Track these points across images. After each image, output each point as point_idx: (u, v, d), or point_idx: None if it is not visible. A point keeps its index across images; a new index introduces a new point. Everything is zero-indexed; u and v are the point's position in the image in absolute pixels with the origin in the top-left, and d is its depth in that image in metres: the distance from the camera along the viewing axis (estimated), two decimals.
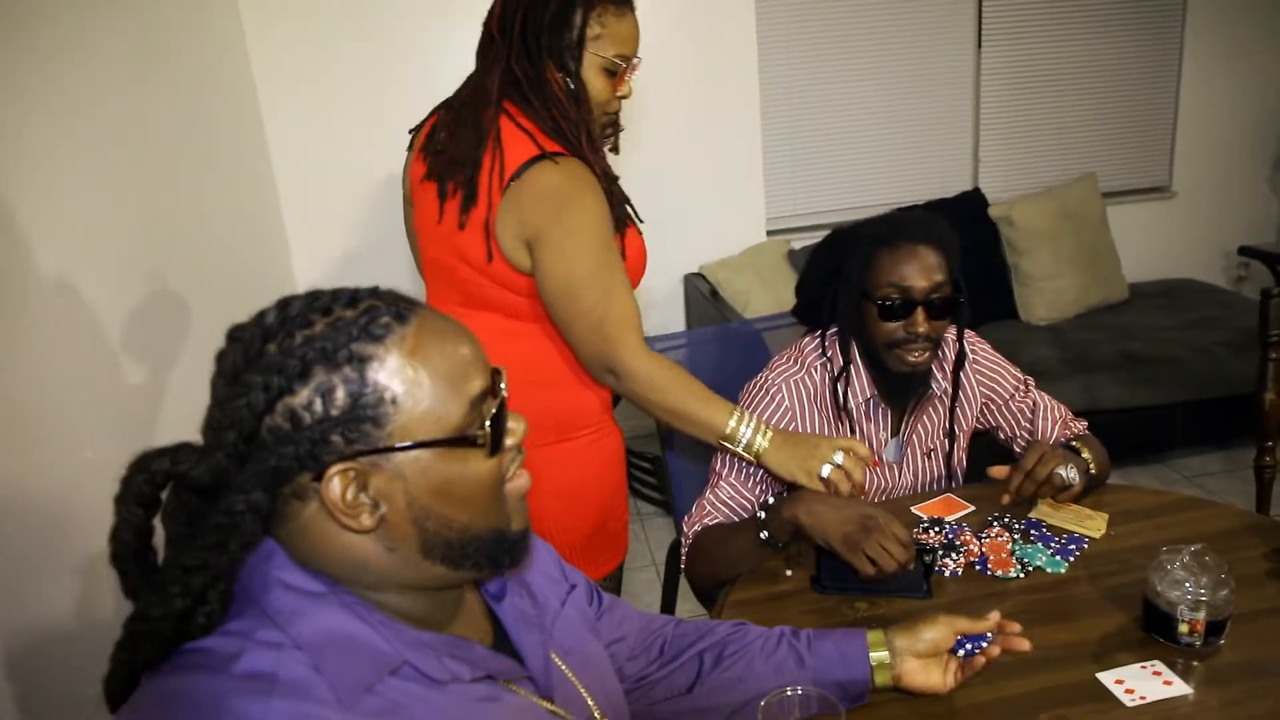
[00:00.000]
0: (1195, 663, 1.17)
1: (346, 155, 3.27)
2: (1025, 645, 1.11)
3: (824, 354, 1.62)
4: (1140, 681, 1.14)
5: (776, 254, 3.54)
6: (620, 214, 1.51)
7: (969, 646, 1.15)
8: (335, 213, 3.32)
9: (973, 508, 1.57)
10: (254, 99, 3.11)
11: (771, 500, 1.41)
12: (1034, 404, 1.70)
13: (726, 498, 1.57)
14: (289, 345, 0.71)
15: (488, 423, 0.76)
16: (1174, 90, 3.99)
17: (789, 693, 1.07)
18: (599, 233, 1.42)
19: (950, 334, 1.64)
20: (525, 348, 1.52)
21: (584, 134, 1.45)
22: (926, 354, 1.52)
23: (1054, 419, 1.68)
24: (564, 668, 0.93)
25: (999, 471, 1.52)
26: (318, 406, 0.70)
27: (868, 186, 3.82)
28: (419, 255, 1.67)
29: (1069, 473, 1.45)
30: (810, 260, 1.65)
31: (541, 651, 0.89)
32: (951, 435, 1.68)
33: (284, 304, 0.75)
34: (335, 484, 0.71)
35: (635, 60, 1.48)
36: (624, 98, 1.51)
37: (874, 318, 1.52)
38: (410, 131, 1.64)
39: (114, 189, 1.90)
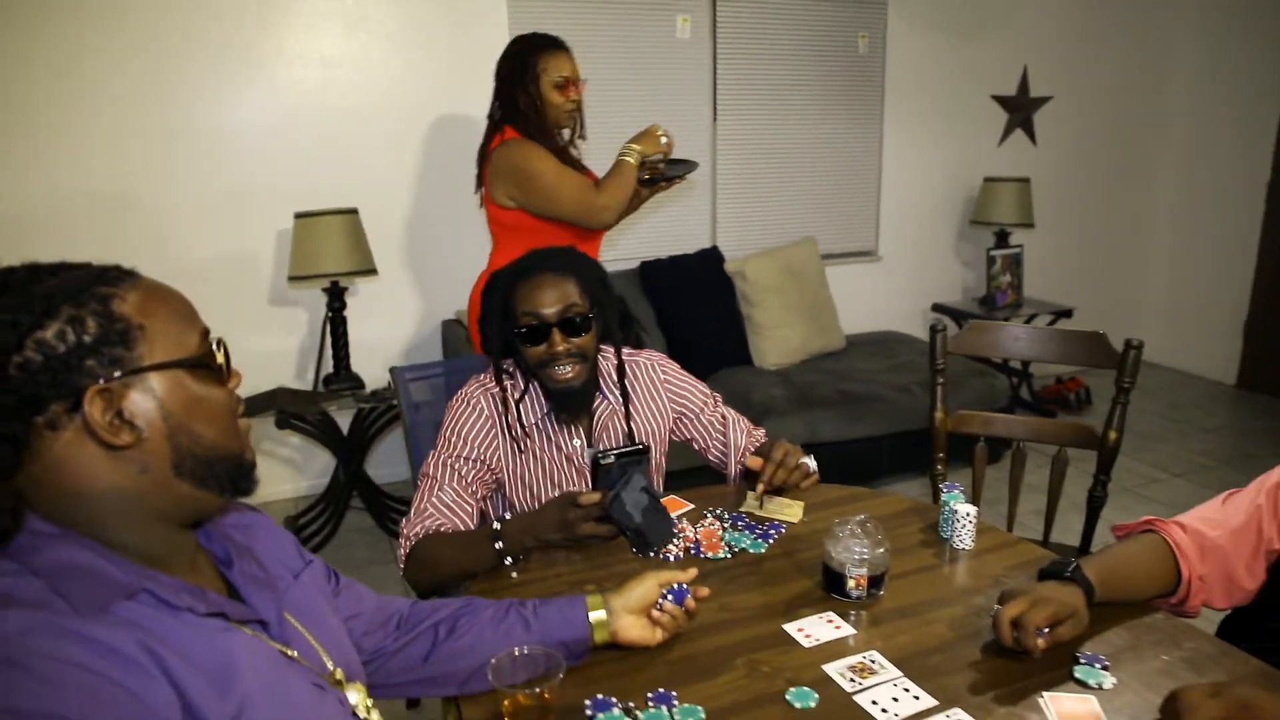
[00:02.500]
0: (862, 611, 1.40)
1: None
2: (705, 592, 1.32)
3: (500, 379, 1.74)
4: (816, 628, 1.35)
5: None
6: (568, 161, 2.57)
7: (670, 596, 1.31)
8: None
9: (692, 505, 1.76)
10: None
11: (498, 526, 1.53)
12: (724, 416, 1.92)
13: (450, 501, 1.63)
14: (29, 291, 0.77)
15: (219, 351, 0.87)
16: (877, 169, 4.60)
17: (516, 653, 1.18)
18: (548, 167, 2.49)
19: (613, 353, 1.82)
20: (516, 243, 2.46)
21: (538, 128, 2.54)
22: (574, 369, 1.67)
23: (743, 428, 1.92)
24: (297, 624, 0.99)
25: (755, 462, 1.71)
26: (70, 336, 0.77)
27: (615, 242, 4.10)
28: None
29: (811, 462, 1.68)
30: (481, 300, 1.78)
31: (274, 607, 0.95)
32: (631, 440, 1.83)
33: (6, 270, 0.81)
34: (96, 405, 0.78)
35: (572, 78, 2.58)
36: (573, 99, 2.59)
37: (521, 344, 1.68)
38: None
39: None
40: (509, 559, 1.52)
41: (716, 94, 4.18)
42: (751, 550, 1.59)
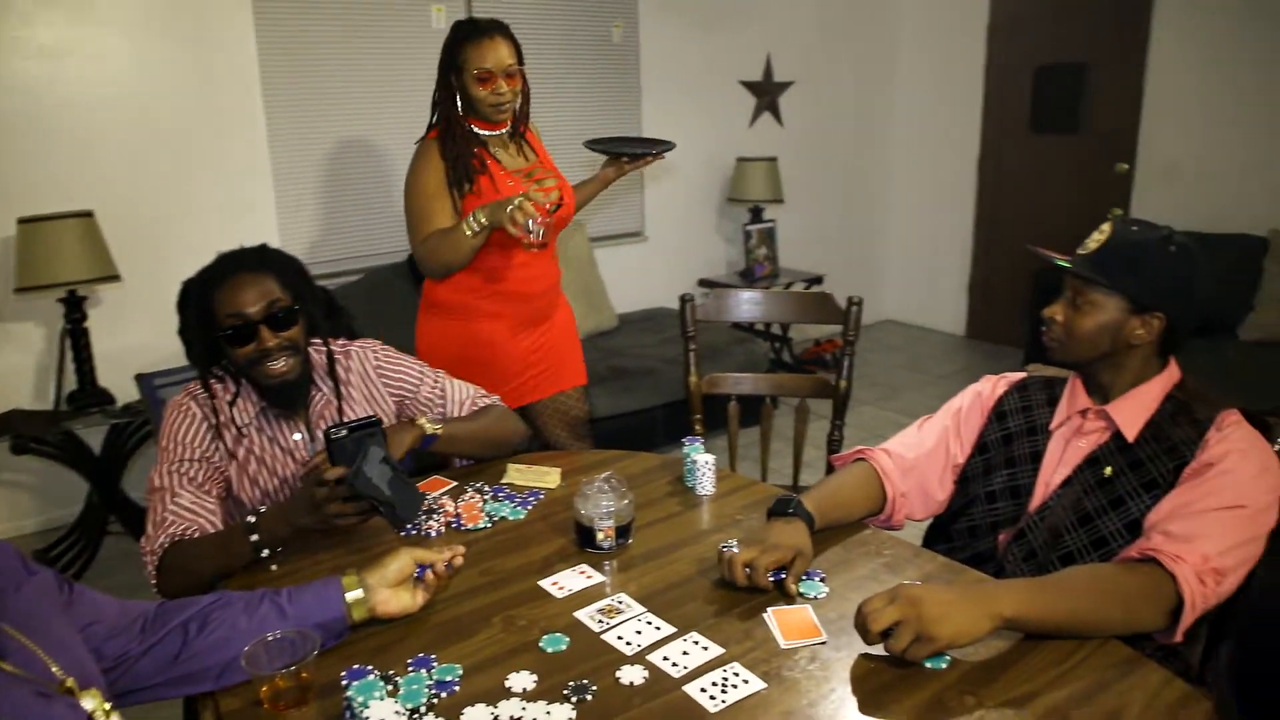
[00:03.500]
0: (613, 560, 1.50)
1: None
2: (460, 549, 1.38)
3: (208, 388, 1.71)
4: (569, 580, 1.44)
5: None
6: (463, 170, 2.31)
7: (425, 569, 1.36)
8: None
9: (455, 483, 1.82)
10: None
11: (252, 519, 1.52)
12: (444, 389, 1.93)
13: (190, 504, 1.59)
14: None
15: None
16: None
17: (269, 639, 1.19)
18: (418, 185, 2.33)
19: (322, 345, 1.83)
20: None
21: (447, 124, 2.34)
22: (287, 362, 1.66)
23: (464, 398, 1.93)
24: (19, 636, 0.96)
25: None
26: None
27: (390, 234, 4.06)
28: None
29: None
30: (178, 313, 1.74)
31: None
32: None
33: None
34: None
35: (496, 70, 2.28)
36: (503, 93, 2.30)
37: (229, 347, 1.66)
38: None
39: None
40: (266, 551, 1.51)
41: None
42: (511, 518, 1.66)
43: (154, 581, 1.56)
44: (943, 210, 5.71)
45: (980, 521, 1.61)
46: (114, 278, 3.18)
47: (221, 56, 3.55)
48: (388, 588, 1.31)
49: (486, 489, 1.77)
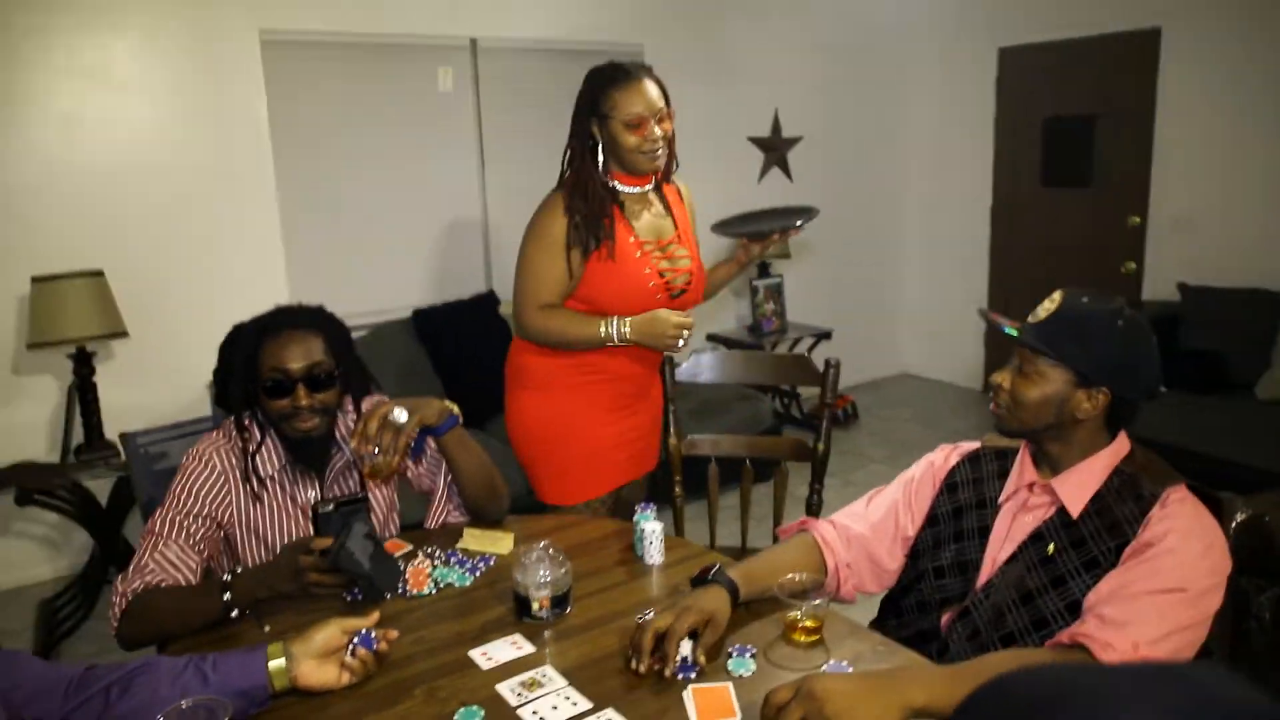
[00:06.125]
0: (548, 630, 1.50)
1: None
2: (393, 634, 1.37)
3: (242, 432, 1.78)
4: (498, 650, 1.44)
5: None
6: (590, 229, 2.16)
7: (355, 640, 1.37)
8: None
9: (411, 546, 1.83)
10: None
11: (228, 578, 1.56)
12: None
13: (175, 558, 1.63)
14: None
15: None
16: None
17: (183, 705, 1.21)
18: (536, 239, 2.20)
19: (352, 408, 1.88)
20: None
21: (578, 178, 2.20)
22: (315, 420, 1.74)
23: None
24: None
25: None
26: None
27: (396, 291, 4.14)
28: None
29: (397, 413, 1.72)
30: (220, 354, 1.81)
31: None
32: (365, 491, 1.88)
33: None
34: None
35: (648, 113, 2.14)
36: (656, 139, 2.16)
37: (264, 397, 1.73)
38: None
39: None
40: (236, 611, 1.55)
41: (483, 142, 4.30)
42: (458, 584, 1.67)
43: (115, 623, 1.58)
44: (957, 263, 5.69)
45: (929, 598, 1.58)
46: (122, 334, 3.28)
47: (234, 122, 3.69)
48: (312, 658, 1.32)
49: (439, 553, 1.78)
